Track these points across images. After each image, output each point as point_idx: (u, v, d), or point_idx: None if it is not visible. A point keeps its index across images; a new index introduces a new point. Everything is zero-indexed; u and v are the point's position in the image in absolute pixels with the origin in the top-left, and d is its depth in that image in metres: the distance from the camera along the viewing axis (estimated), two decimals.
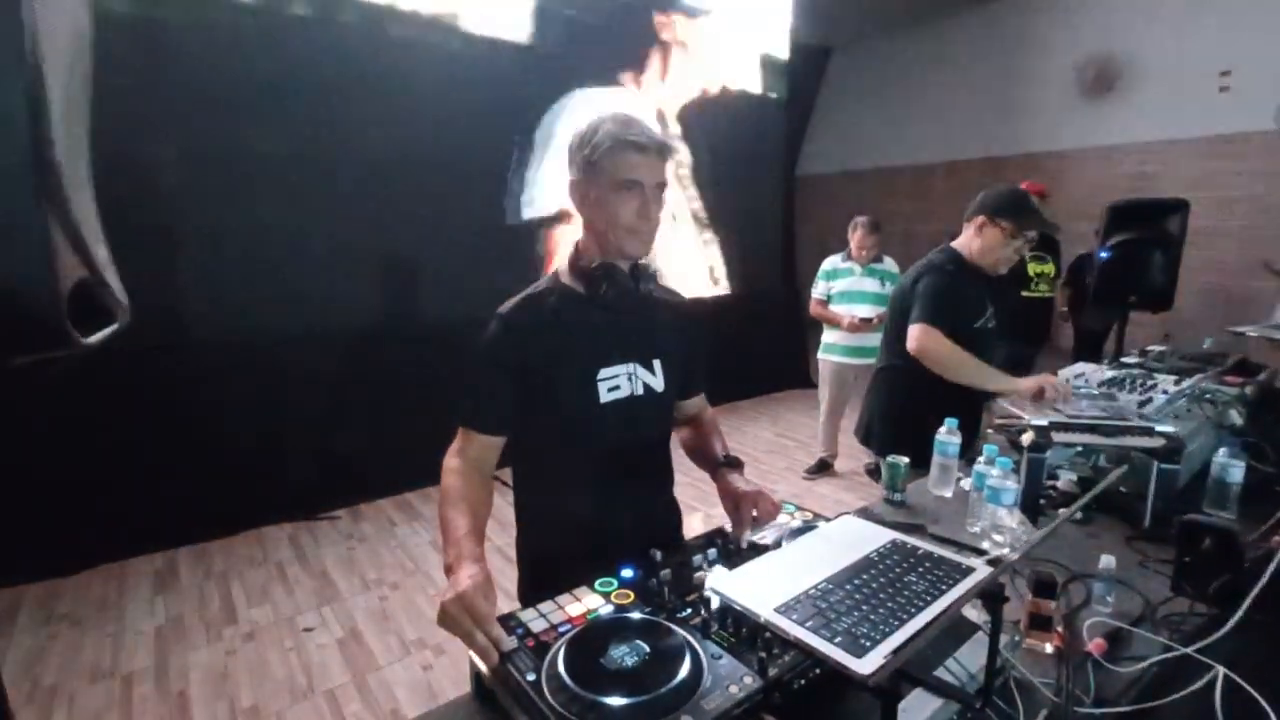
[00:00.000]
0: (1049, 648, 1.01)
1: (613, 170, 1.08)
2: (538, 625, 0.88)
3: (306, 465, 3.53)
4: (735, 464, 1.27)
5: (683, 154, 5.14)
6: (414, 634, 2.53)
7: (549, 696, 0.74)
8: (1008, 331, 2.30)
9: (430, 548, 3.22)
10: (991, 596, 0.72)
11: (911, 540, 0.87)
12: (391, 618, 2.65)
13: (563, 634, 0.86)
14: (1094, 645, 1.01)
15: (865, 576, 0.78)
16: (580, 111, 4.37)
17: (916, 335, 1.98)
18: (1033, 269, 3.74)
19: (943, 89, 7.66)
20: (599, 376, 1.17)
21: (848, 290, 3.78)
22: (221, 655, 2.41)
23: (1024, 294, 3.95)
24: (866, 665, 0.61)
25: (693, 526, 1.46)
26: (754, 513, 1.12)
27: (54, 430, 2.89)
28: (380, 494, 3.79)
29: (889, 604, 0.72)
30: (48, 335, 0.59)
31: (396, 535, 3.37)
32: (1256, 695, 0.87)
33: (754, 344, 5.82)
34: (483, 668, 0.82)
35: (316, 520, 3.50)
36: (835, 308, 3.82)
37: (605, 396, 1.18)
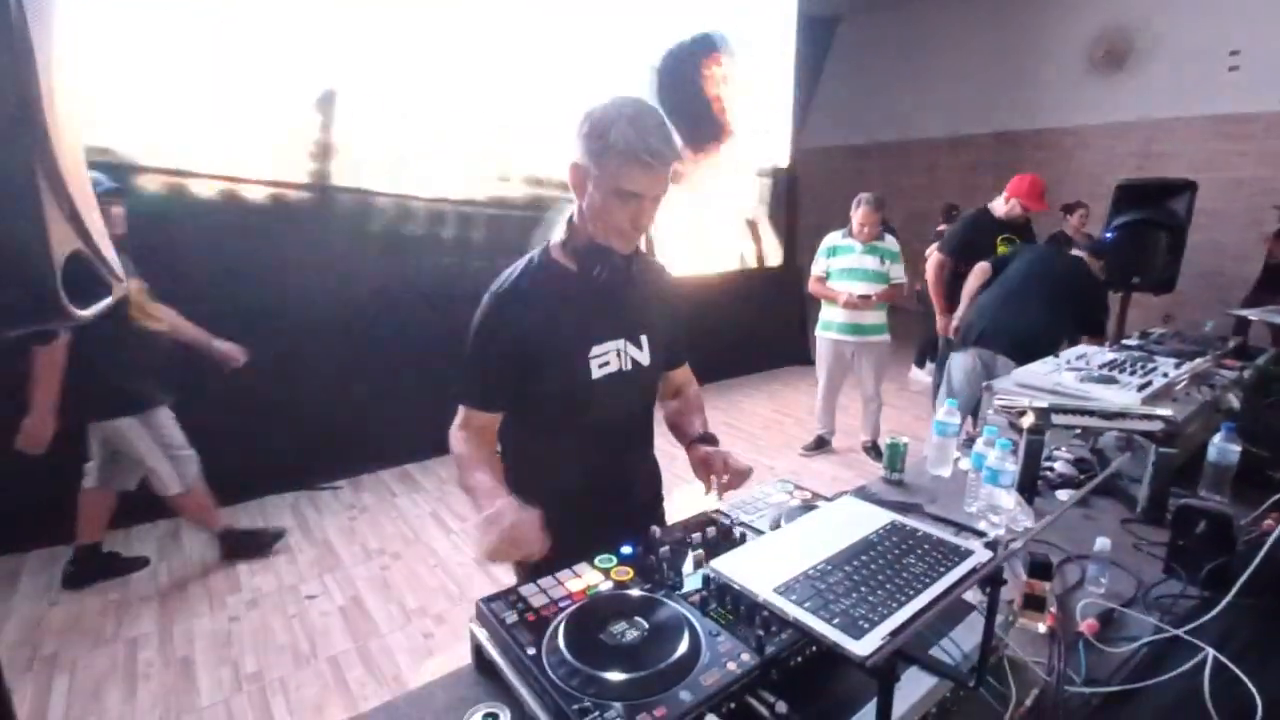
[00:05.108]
0: (1042, 628, 1.02)
1: (616, 178, 1.07)
2: (538, 600, 0.89)
3: (308, 436, 3.54)
4: (709, 440, 1.29)
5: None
6: (415, 602, 2.57)
7: (549, 670, 0.76)
8: None
9: (430, 519, 3.25)
10: (989, 579, 0.72)
11: (910, 522, 0.88)
12: (393, 586, 2.68)
13: (563, 609, 0.87)
14: (1086, 626, 1.02)
15: (864, 558, 0.79)
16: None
17: None
18: (1003, 250, 3.68)
19: (951, 63, 7.52)
20: (591, 354, 1.20)
21: (848, 267, 3.75)
22: (225, 622, 2.45)
23: None
24: (864, 646, 0.62)
25: (680, 500, 1.50)
26: (724, 472, 1.18)
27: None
28: (381, 465, 3.81)
29: (887, 585, 0.73)
30: (42, 307, 0.58)
31: (397, 506, 3.40)
32: (1243, 677, 0.89)
33: (753, 320, 5.80)
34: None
35: (318, 490, 3.53)
36: (834, 284, 3.79)
37: (596, 373, 1.21)
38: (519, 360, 1.16)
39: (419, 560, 2.88)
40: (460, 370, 1.22)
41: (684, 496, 1.12)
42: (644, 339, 1.27)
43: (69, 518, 2.93)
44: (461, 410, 1.22)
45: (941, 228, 5.25)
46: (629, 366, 1.25)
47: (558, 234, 1.22)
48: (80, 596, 2.57)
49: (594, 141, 1.07)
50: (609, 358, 1.22)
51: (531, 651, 0.79)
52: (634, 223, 1.11)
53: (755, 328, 5.83)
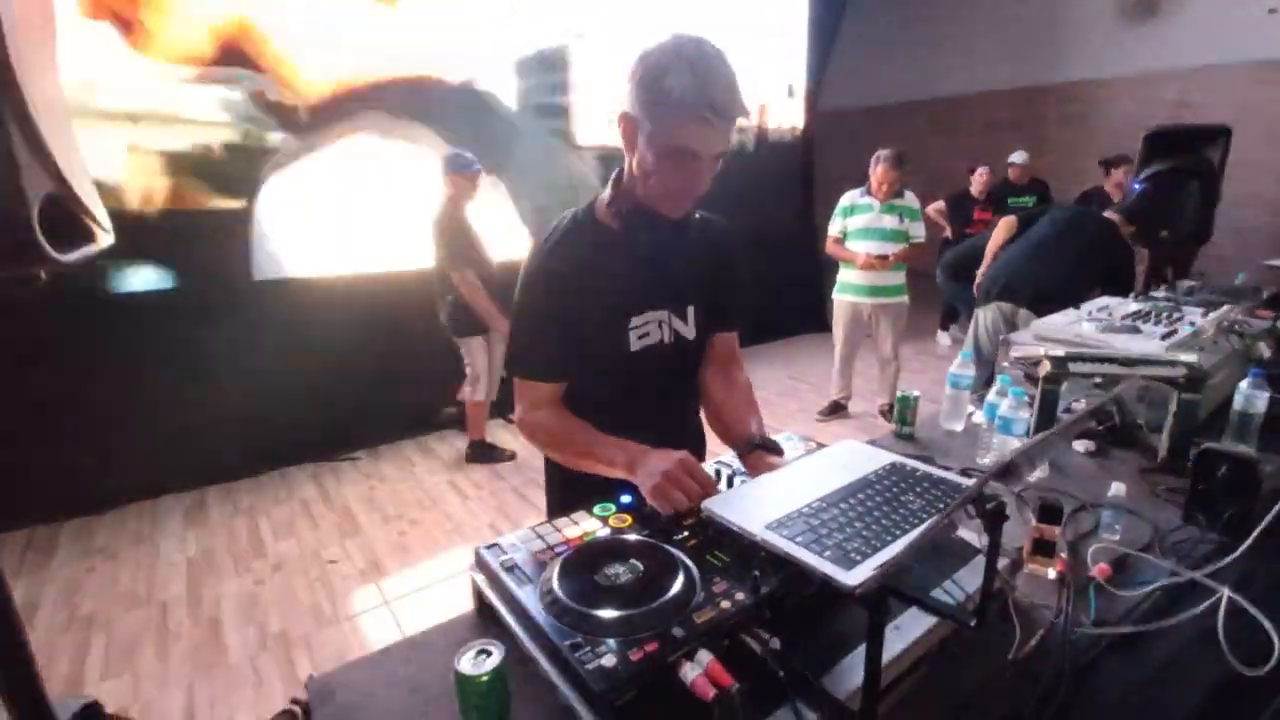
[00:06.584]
0: (1051, 573, 1.00)
1: (671, 134, 0.94)
2: (535, 546, 0.89)
3: (329, 408, 3.60)
4: (771, 448, 1.09)
5: None
6: (433, 565, 2.62)
7: (543, 609, 0.76)
8: None
9: (447, 486, 3.30)
10: (991, 514, 0.70)
11: (912, 462, 0.85)
12: (411, 550, 2.74)
13: (560, 555, 0.87)
14: (1098, 570, 1.00)
15: (861, 496, 0.77)
16: None
17: None
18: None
19: (973, 15, 7.24)
20: (630, 325, 1.11)
21: (865, 227, 3.66)
22: (251, 585, 2.52)
23: None
24: (854, 577, 0.60)
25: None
26: None
27: (89, 374, 2.97)
28: (399, 436, 3.87)
29: (883, 521, 0.71)
30: (21, 249, 0.58)
31: (415, 475, 3.46)
32: (1259, 615, 0.86)
33: (769, 285, 5.72)
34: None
35: (338, 461, 3.59)
36: (851, 245, 3.70)
37: (635, 345, 1.13)
38: (567, 322, 1.08)
39: (436, 525, 2.92)
40: (512, 340, 1.12)
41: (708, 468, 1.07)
42: (690, 311, 1.18)
43: (104, 489, 3.05)
44: (524, 389, 1.12)
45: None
46: (670, 339, 1.16)
47: (605, 190, 1.10)
48: (116, 563, 2.67)
49: (647, 89, 0.92)
50: (649, 329, 1.13)
51: (526, 592, 0.79)
52: (687, 186, 1.00)
53: (771, 293, 5.75)
